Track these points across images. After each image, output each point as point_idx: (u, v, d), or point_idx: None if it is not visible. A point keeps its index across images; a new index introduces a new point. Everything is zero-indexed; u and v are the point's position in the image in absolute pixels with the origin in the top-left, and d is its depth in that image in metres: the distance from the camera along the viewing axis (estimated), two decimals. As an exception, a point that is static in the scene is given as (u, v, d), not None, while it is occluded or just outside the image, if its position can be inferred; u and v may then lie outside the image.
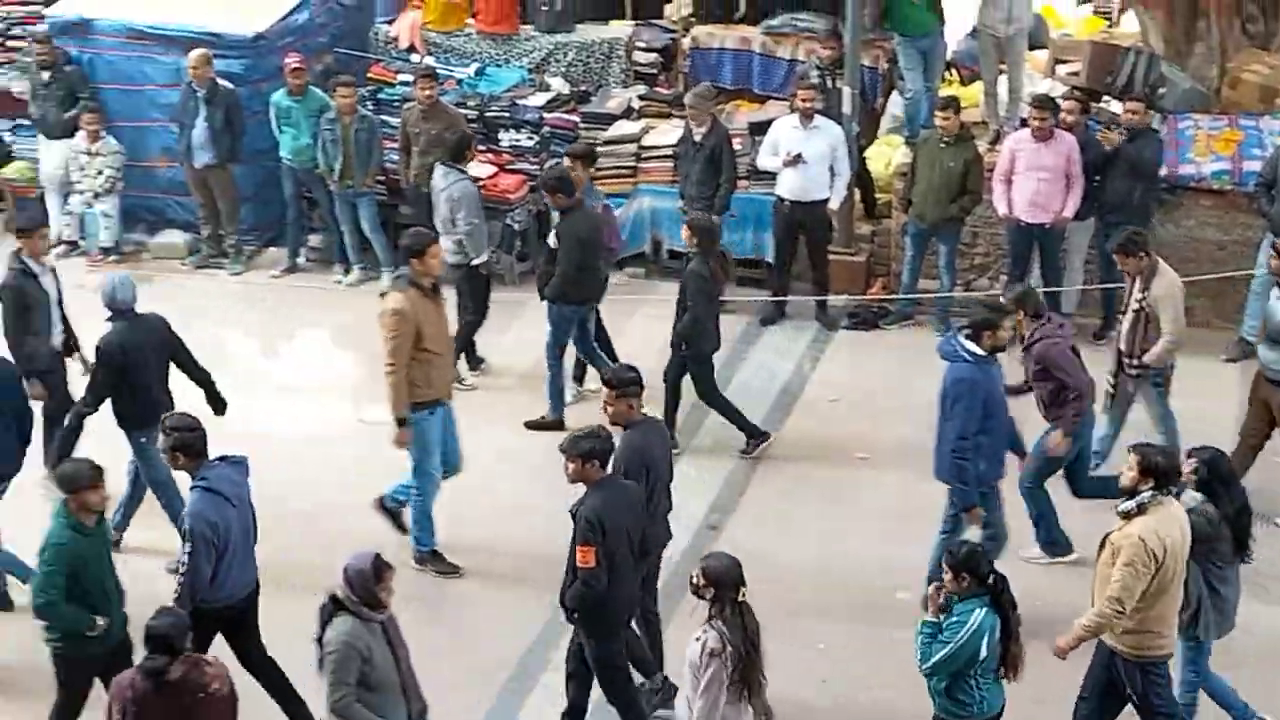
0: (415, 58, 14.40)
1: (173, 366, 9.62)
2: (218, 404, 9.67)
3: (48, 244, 10.22)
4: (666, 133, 13.54)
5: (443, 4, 14.57)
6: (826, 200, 12.51)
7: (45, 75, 13.77)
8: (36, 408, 9.65)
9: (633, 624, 8.10)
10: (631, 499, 7.73)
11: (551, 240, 11.13)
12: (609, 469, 7.65)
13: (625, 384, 8.10)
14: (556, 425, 11.00)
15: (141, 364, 9.34)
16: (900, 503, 10.05)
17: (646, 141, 13.55)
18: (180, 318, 10.08)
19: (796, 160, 12.30)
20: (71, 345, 10.29)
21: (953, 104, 12.24)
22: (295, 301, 13.44)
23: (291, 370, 12.44)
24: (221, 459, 8.02)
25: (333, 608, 6.80)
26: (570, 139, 13.44)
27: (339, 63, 14.34)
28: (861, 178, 13.37)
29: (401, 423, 9.23)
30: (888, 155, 13.66)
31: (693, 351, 10.63)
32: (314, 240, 14.01)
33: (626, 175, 13.49)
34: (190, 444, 7.88)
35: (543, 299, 11.17)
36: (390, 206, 13.48)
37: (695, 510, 10.12)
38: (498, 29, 14.61)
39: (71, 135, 13.68)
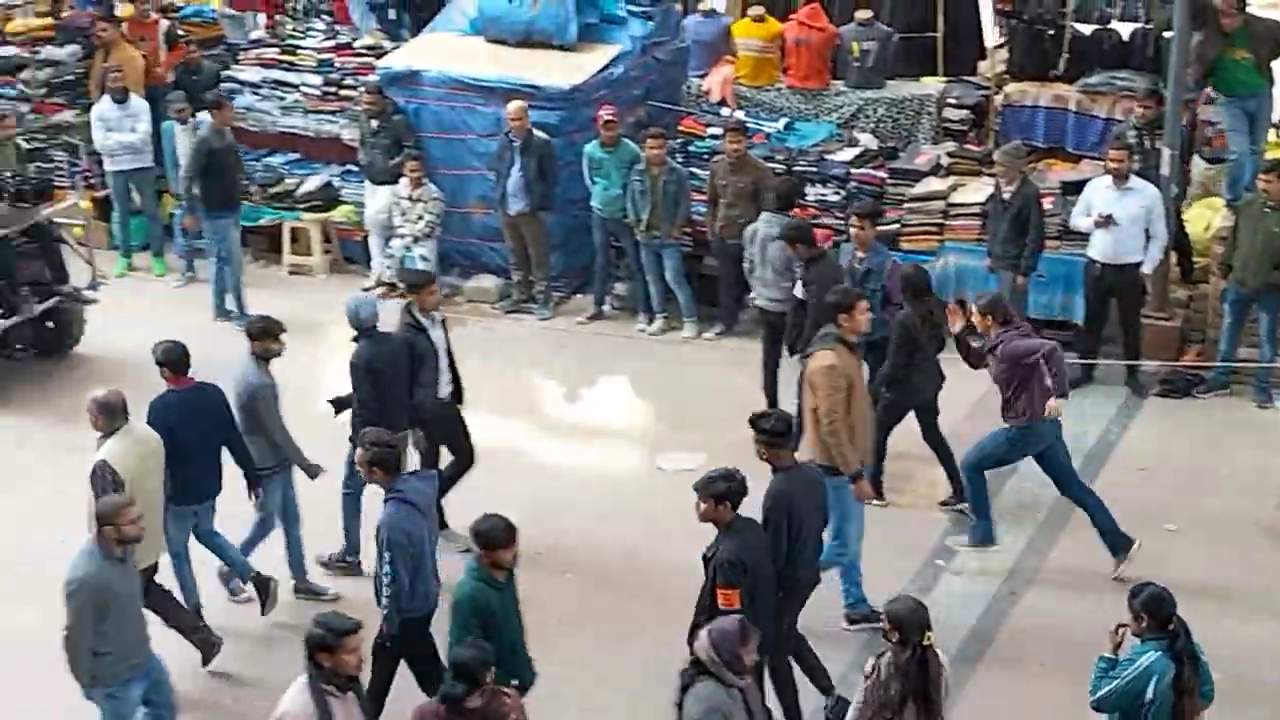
0: (725, 111, 14.64)
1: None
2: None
3: (437, 299, 10.27)
4: (975, 190, 13.41)
5: (754, 59, 14.79)
6: (1140, 263, 12.19)
7: (374, 124, 14.47)
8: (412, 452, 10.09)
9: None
10: (762, 535, 7.84)
11: (798, 291, 11.18)
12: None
13: (774, 434, 8.16)
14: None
15: (385, 379, 9.79)
16: (1206, 575, 9.69)
17: (954, 199, 13.44)
18: (489, 360, 10.44)
19: (1108, 221, 12.03)
20: (460, 396, 10.39)
21: (1278, 167, 11.81)
22: (599, 348, 13.74)
23: (593, 415, 12.73)
24: (412, 474, 8.43)
25: (694, 671, 6.56)
26: (876, 194, 13.45)
27: (651, 115, 14.67)
28: (1179, 241, 12.99)
29: (856, 477, 9.13)
30: (1207, 218, 13.25)
31: (890, 398, 10.52)
32: (620, 288, 14.32)
33: (933, 233, 13.40)
34: (386, 459, 8.15)
35: (792, 354, 11.18)
36: (695, 258, 13.71)
37: (996, 570, 10.00)
38: (808, 84, 14.73)
39: (395, 181, 14.32)
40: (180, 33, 16.72)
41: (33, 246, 13.09)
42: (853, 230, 11.30)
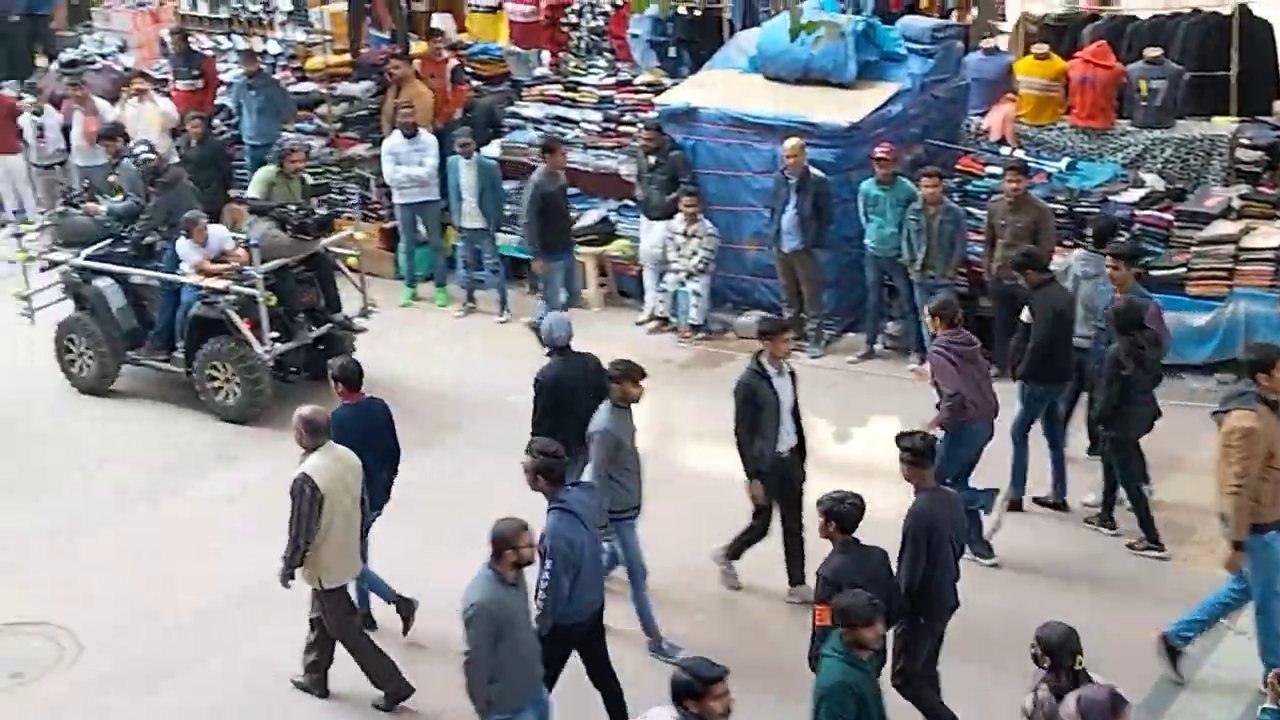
0: (1005, 150, 14.40)
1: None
2: None
3: (787, 348, 10.18)
4: (1268, 235, 12.89)
5: (1037, 97, 14.51)
6: None
7: (651, 160, 14.69)
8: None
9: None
10: (874, 562, 8.05)
11: (1025, 316, 11.01)
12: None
13: (916, 453, 8.45)
14: (1015, 505, 11.10)
15: (571, 395, 10.03)
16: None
17: (1245, 243, 12.95)
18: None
19: None
20: (804, 451, 10.26)
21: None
22: (867, 388, 13.63)
23: (863, 454, 12.62)
24: (575, 484, 8.63)
25: None
26: (1163, 237, 13.06)
27: (928, 153, 14.54)
28: None
29: (1238, 546, 8.84)
30: None
31: (1116, 435, 10.44)
32: (892, 328, 14.20)
33: (1221, 277, 12.92)
34: (552, 468, 8.39)
35: (1014, 379, 11.08)
36: (970, 299, 13.51)
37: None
38: (1093, 123, 14.39)
39: (671, 217, 14.50)
40: (467, 70, 17.31)
41: (310, 275, 13.72)
42: (1109, 271, 11.00)
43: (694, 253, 14.40)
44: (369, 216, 16.37)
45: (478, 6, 18.56)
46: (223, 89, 17.67)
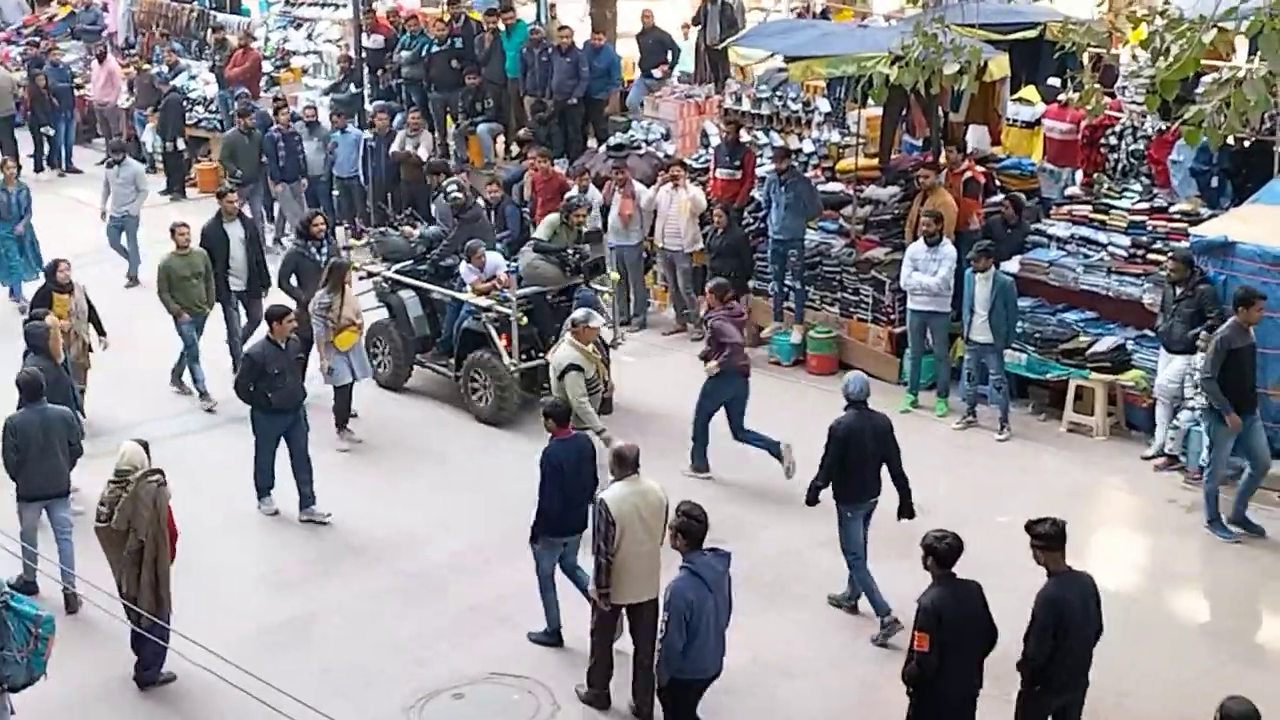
0: None
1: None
2: (908, 511, 11.46)
3: None
4: None
5: None
6: None
7: (1177, 291, 14.14)
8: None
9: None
10: (972, 596, 8.95)
11: None
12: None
13: (1046, 538, 8.94)
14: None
15: (859, 448, 11.32)
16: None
17: None
18: None
19: None
20: None
21: None
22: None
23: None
24: (712, 550, 9.32)
25: None
26: None
27: None
28: None
29: None
30: None
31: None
32: None
33: None
34: (690, 530, 9.27)
35: None
36: None
37: None
38: None
39: (1192, 352, 13.89)
40: (999, 184, 17.23)
41: (569, 304, 15.27)
42: None
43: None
44: (879, 320, 16.52)
45: (1015, 120, 18.47)
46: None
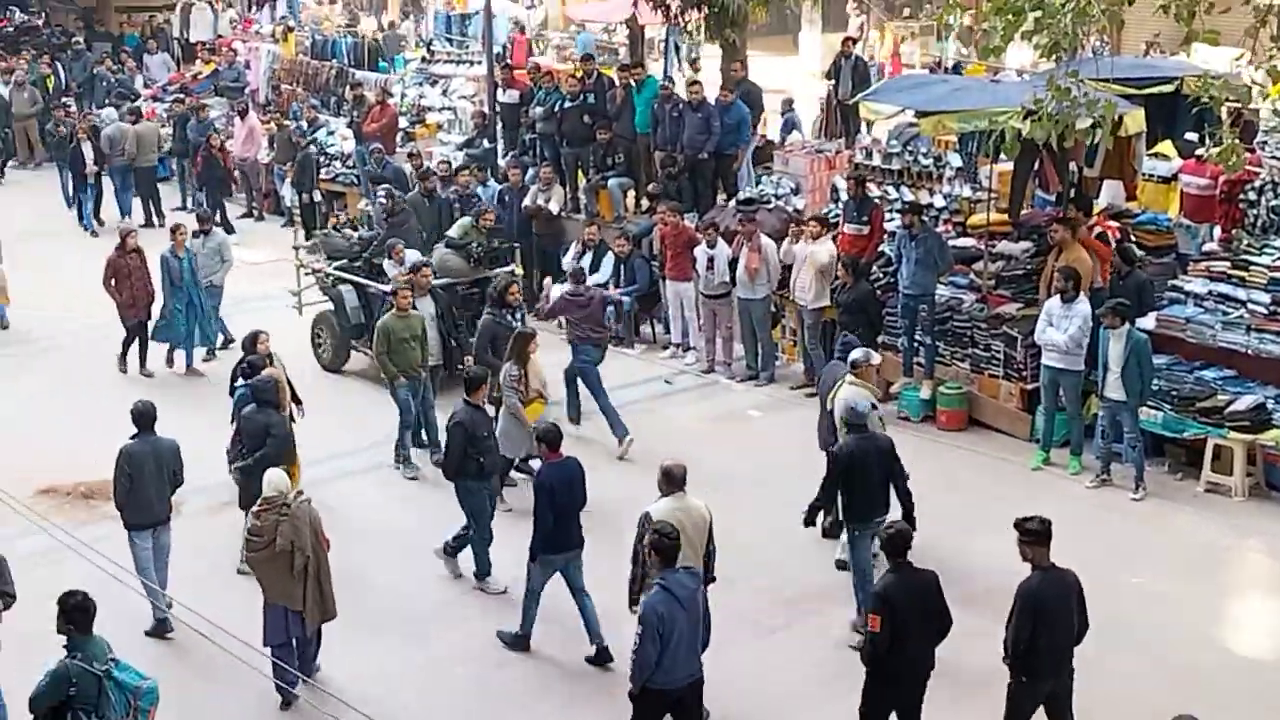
0: None
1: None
2: (910, 521, 11.49)
3: None
4: None
5: None
6: None
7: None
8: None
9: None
10: (924, 584, 9.88)
11: None
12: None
13: (1032, 534, 9.68)
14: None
15: (864, 471, 11.97)
16: None
17: None
18: None
19: None
20: None
21: None
22: None
23: None
24: (685, 568, 9.97)
25: None
26: None
27: None
28: None
29: None
30: None
31: None
32: None
33: None
34: (661, 547, 9.90)
35: None
36: None
37: None
38: None
39: (1334, 412, 13.63)
40: (1132, 240, 17.04)
41: (477, 293, 18.10)
42: None
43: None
44: (1011, 376, 16.39)
45: (1151, 175, 18.28)
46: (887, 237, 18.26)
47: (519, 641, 12.38)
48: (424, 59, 31.01)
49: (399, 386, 15.93)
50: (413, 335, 15.97)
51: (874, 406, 12.76)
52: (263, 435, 13.27)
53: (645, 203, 21.18)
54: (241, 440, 13.47)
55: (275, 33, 33.62)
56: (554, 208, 20.93)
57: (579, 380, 16.78)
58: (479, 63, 27.27)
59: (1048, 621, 9.59)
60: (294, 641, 11.52)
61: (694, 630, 9.98)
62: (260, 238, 25.31)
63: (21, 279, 21.63)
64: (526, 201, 20.94)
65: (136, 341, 19.16)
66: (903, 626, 9.69)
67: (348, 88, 28.15)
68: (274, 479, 11.51)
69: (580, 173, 22.38)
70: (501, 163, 22.92)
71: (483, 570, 13.55)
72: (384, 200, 19.81)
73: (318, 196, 24.93)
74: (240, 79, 31.36)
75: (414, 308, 16.27)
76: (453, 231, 18.97)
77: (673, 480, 11.01)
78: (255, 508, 11.50)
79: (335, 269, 19.11)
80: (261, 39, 33.73)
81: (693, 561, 10.54)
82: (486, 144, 23.82)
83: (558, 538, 11.94)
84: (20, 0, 39.24)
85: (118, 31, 37.52)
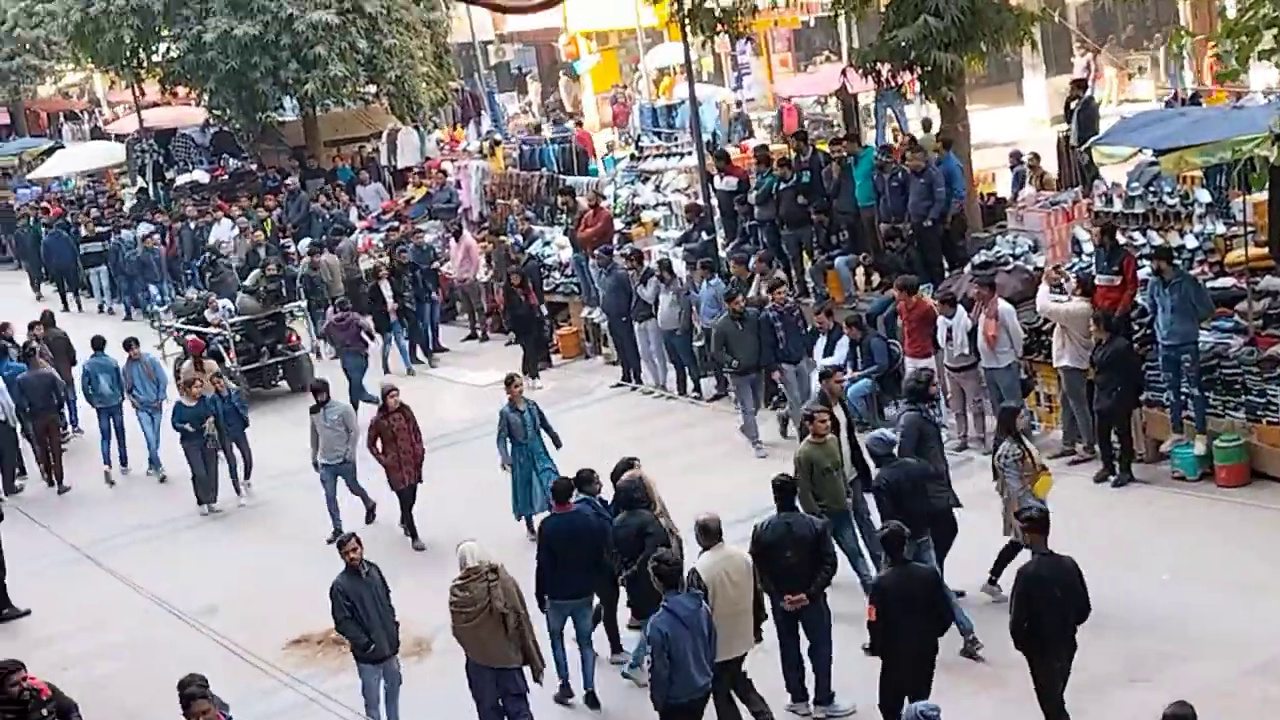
0: None
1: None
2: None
3: None
4: None
5: None
6: None
7: None
8: None
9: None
10: (917, 580, 11.57)
11: None
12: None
13: (1031, 521, 11.45)
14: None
15: (904, 496, 13.25)
16: None
17: None
18: None
19: None
20: None
21: None
22: None
23: None
24: (687, 593, 11.38)
25: None
26: None
27: None
28: None
29: None
30: None
31: None
32: None
33: None
34: (663, 574, 11.43)
35: None
36: None
37: None
38: None
39: None
40: None
41: (271, 325, 25.82)
42: None
43: None
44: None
45: None
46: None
47: (563, 692, 13.68)
48: (633, 156, 31.34)
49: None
50: (834, 463, 14.34)
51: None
52: (640, 537, 13.05)
53: (876, 278, 20.94)
54: (617, 548, 13.28)
55: (482, 148, 34.40)
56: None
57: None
58: (689, 153, 27.44)
59: (1043, 602, 11.11)
60: (499, 701, 12.57)
61: (701, 646, 11.34)
62: (488, 359, 25.69)
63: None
64: (751, 294, 20.85)
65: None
66: (895, 618, 11.34)
67: (559, 195, 28.56)
68: (474, 550, 12.58)
69: (805, 254, 22.28)
70: (723, 254, 22.92)
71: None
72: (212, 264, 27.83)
73: (543, 310, 25.20)
74: (453, 199, 32.09)
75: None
76: (249, 281, 26.05)
77: (710, 534, 12.04)
78: (459, 580, 12.45)
79: (183, 322, 25.88)
80: (469, 156, 34.56)
81: (742, 609, 11.94)
82: (704, 236, 23.81)
83: (560, 584, 13.33)
84: (233, 147, 41.07)
85: (329, 166, 38.73)
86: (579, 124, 37.17)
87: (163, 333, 26.67)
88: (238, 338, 24.97)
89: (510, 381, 17.51)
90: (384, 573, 13.23)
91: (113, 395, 22.32)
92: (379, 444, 17.70)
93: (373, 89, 37.78)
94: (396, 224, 30.64)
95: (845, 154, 21.86)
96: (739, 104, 35.68)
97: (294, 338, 25.80)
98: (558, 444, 17.36)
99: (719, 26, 23.05)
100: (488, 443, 18.03)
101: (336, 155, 39.89)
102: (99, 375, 22.37)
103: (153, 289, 32.03)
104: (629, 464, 14.14)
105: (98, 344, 22.71)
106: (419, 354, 26.26)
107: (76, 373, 23.53)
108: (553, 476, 15.80)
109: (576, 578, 13.39)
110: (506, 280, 24.95)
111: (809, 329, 19.46)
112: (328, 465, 18.39)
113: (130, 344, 22.34)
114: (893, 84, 22.52)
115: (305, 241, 30.22)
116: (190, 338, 24.00)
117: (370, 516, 18.42)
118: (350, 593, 12.86)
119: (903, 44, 20.50)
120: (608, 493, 14.02)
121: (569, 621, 13.63)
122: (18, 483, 22.30)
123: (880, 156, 21.53)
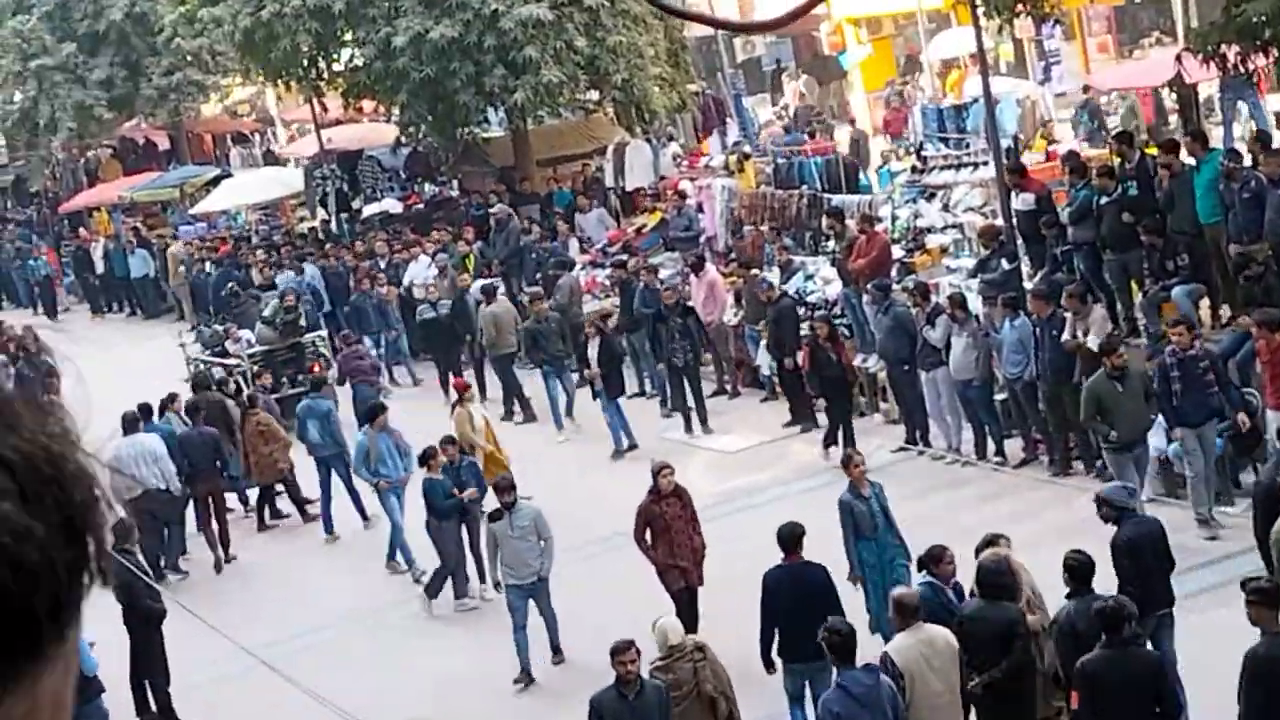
0: None
1: None
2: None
3: None
4: None
5: None
6: None
7: None
8: None
9: None
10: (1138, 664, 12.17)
11: None
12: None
13: (1258, 594, 11.72)
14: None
15: (1143, 560, 13.78)
16: None
17: None
18: None
19: None
20: None
21: None
22: None
23: None
24: (863, 667, 12.05)
25: None
26: None
27: None
28: None
29: None
30: None
31: None
32: None
33: None
34: (835, 646, 12.05)
35: None
36: None
37: None
38: None
39: None
40: None
41: (292, 356, 30.60)
42: None
43: None
44: None
45: None
46: None
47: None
48: (914, 169, 31.16)
49: None
50: None
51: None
52: (1007, 638, 12.96)
53: (1226, 312, 20.54)
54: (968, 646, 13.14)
55: (729, 163, 34.30)
56: (1092, 342, 20.09)
57: None
58: (985, 163, 27.18)
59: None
60: None
61: None
62: (735, 419, 25.76)
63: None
64: (1064, 336, 20.49)
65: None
66: (1102, 707, 11.89)
67: (824, 218, 28.52)
68: (674, 625, 13.51)
69: (1133, 284, 21.93)
70: (1028, 285, 22.64)
71: None
72: (232, 296, 31.90)
73: (800, 359, 25.12)
74: (692, 226, 32.27)
75: None
76: (267, 312, 30.80)
77: (905, 612, 12.68)
78: (661, 661, 13.21)
79: (208, 354, 31.16)
80: (713, 173, 34.60)
81: (947, 700, 12.37)
82: (1005, 265, 23.49)
83: (790, 646, 14.25)
84: (429, 170, 41.85)
85: (544, 190, 38.99)
86: (812, 134, 36.77)
87: (189, 364, 31.13)
88: (255, 369, 29.26)
89: (848, 461, 16.98)
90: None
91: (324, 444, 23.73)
92: (648, 535, 17.03)
93: (595, 96, 38.08)
94: (625, 257, 30.82)
95: (1179, 159, 21.51)
96: (1085, 89, 34.74)
97: (317, 367, 29.12)
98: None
99: (1020, 5, 22.87)
100: (741, 520, 18.11)
101: (552, 176, 40.22)
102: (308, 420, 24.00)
103: (367, 342, 31.48)
104: (992, 541, 13.91)
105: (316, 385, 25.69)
106: (693, 423, 25.70)
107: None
108: (905, 575, 15.45)
109: (810, 640, 13.27)
110: (813, 333, 24.27)
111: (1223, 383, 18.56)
112: (517, 586, 17.47)
113: (377, 410, 22.75)
114: (1243, 71, 22.10)
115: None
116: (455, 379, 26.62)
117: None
118: (608, 714, 12.90)
119: (1255, 20, 20.10)
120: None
121: (807, 686, 14.42)
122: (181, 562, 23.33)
123: (1228, 162, 21.13)
